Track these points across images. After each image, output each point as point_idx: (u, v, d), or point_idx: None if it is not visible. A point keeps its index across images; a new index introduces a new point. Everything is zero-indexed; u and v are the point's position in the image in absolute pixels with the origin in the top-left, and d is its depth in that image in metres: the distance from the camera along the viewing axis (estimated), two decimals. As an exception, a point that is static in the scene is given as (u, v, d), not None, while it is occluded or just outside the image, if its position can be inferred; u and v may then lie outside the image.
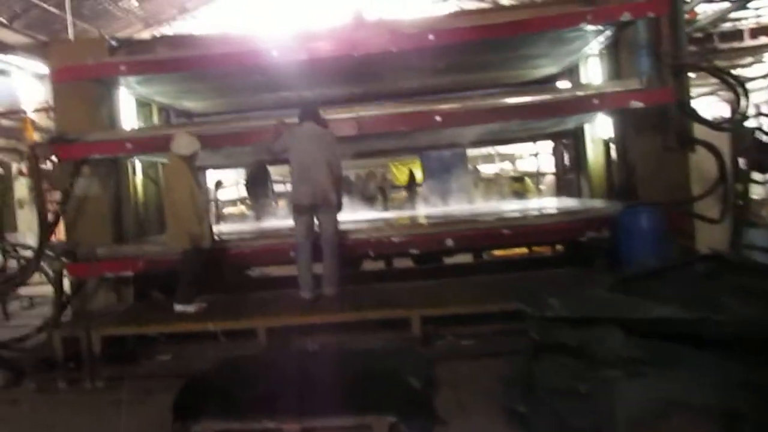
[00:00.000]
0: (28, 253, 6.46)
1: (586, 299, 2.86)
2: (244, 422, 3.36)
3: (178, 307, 5.24)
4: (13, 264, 7.81)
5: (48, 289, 7.65)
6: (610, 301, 2.76)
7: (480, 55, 6.14)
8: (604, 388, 2.51)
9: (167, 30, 15.68)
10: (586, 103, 5.33)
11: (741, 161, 5.47)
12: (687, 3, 6.12)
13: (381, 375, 3.65)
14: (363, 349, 4.58)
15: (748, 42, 10.27)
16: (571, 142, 7.88)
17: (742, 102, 5.56)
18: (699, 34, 9.03)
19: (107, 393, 4.52)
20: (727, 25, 10.11)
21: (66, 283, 5.88)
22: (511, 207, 7.59)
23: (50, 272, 6.58)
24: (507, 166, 17.22)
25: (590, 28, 5.38)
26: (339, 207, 5.40)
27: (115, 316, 5.36)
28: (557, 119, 6.12)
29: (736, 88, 5.60)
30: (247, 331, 4.99)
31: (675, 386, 2.39)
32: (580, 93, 5.40)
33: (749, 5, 8.71)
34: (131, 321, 5.16)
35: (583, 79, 6.97)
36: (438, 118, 5.33)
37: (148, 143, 5.73)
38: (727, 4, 7.79)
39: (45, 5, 13.14)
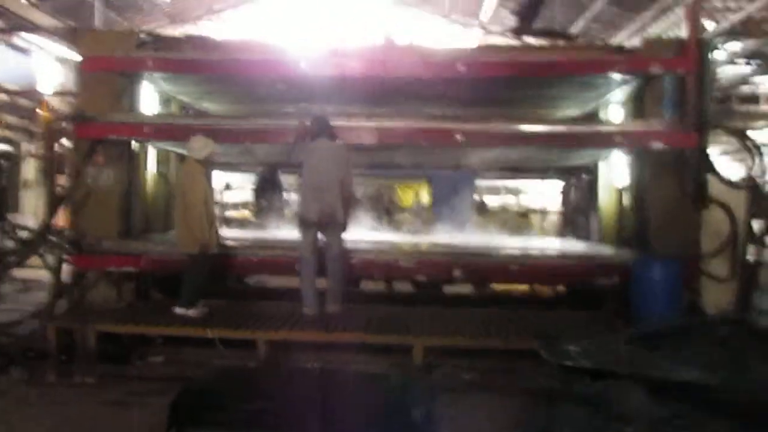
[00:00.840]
0: (27, 235, 6.31)
1: (605, 350, 2.81)
2: (240, 436, 3.27)
3: (179, 310, 5.17)
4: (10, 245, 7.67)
5: (43, 274, 7.56)
6: (632, 356, 2.72)
7: (505, 91, 6.18)
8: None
9: (193, 29, 15.74)
10: (608, 138, 5.36)
11: (755, 223, 5.47)
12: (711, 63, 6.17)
13: (384, 402, 3.58)
14: (366, 373, 4.50)
15: (764, 107, 10.41)
16: (585, 185, 7.90)
17: (757, 166, 5.61)
18: (717, 94, 9.14)
19: (98, 390, 4.41)
20: (745, 89, 10.26)
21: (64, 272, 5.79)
22: (518, 243, 7.54)
23: (48, 258, 6.51)
24: (511, 200, 17.22)
25: (618, 76, 5.42)
26: (346, 225, 5.36)
27: (114, 313, 5.27)
28: (575, 152, 6.12)
29: (753, 152, 5.65)
30: (245, 341, 4.91)
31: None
32: (603, 128, 5.40)
33: (769, 73, 8.87)
34: (130, 319, 5.07)
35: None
36: (459, 137, 5.35)
37: (166, 130, 5.73)
38: (748, 69, 7.91)
39: (73, -10, 13.20)
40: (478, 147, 5.67)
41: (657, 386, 2.50)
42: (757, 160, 5.64)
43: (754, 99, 10.67)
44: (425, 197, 13.77)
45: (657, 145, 5.20)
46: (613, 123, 5.38)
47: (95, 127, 5.61)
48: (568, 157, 6.67)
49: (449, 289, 7.39)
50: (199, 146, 5.30)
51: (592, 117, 7.05)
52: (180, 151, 6.65)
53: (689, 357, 2.71)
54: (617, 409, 2.48)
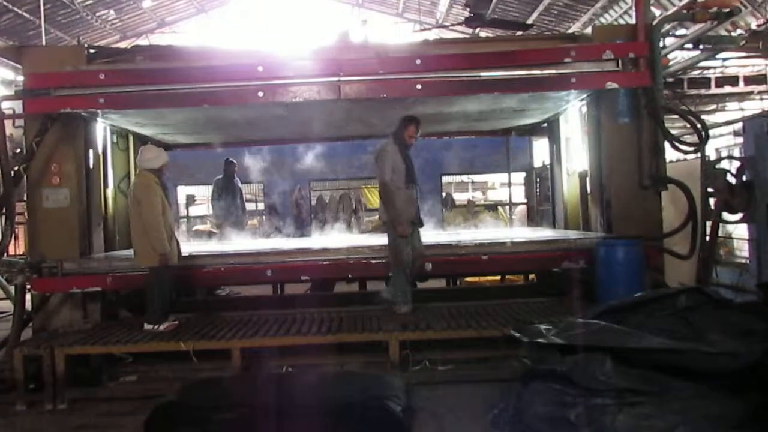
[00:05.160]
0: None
1: (575, 327, 2.87)
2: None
3: (148, 326, 5.06)
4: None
5: (6, 305, 7.32)
6: (599, 330, 2.79)
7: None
8: (592, 416, 2.51)
9: (145, 43, 15.49)
10: (563, 81, 5.40)
11: (711, 201, 5.65)
12: (662, 48, 6.36)
13: (360, 399, 3.58)
14: (341, 372, 4.50)
15: (714, 90, 10.77)
16: (548, 174, 8.06)
17: (705, 144, 5.81)
18: (670, 79, 9.43)
19: (70, 415, 4.30)
20: (695, 73, 10.60)
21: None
22: (486, 235, 7.64)
23: (8, 286, 6.30)
24: (479, 194, 17.48)
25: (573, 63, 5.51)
26: (387, 224, 5.34)
27: (81, 335, 5.12)
28: (534, 101, 6.22)
29: (701, 132, 5.82)
30: (219, 352, 4.84)
31: (663, 416, 2.41)
32: (559, 70, 5.41)
33: (717, 56, 9.16)
34: (98, 339, 4.93)
35: (562, 119, 7.18)
36: (419, 87, 5.34)
37: (121, 100, 5.47)
38: (697, 53, 8.18)
39: (18, 10, 12.84)
40: (439, 96, 5.60)
41: (623, 356, 2.56)
42: (705, 139, 5.82)
43: (704, 83, 11.03)
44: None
45: (612, 85, 5.32)
46: (570, 65, 5.39)
47: (46, 101, 5.38)
48: (528, 108, 6.72)
49: (422, 286, 7.44)
50: (152, 156, 5.21)
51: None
52: (136, 130, 6.47)
53: (653, 327, 2.80)
54: (586, 381, 2.54)
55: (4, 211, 5.44)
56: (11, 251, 9.33)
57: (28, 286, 5.45)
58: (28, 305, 5.59)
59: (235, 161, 9.29)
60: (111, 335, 5.03)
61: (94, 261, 5.66)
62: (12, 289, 6.01)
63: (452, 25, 15.44)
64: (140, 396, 4.49)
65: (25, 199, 5.95)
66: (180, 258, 5.32)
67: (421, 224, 5.49)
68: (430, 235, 7.99)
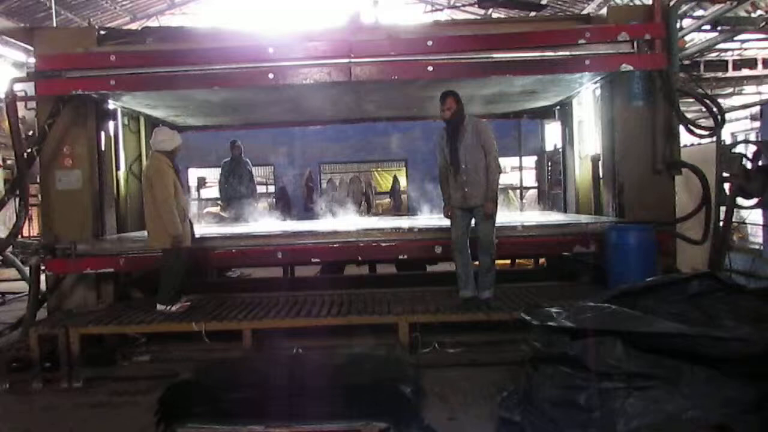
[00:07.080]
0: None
1: (585, 311, 2.87)
2: (230, 425, 3.27)
3: (160, 307, 5.13)
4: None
5: (21, 285, 7.43)
6: (610, 314, 2.78)
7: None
8: (602, 400, 2.52)
9: (155, 24, 15.43)
10: (577, 63, 5.33)
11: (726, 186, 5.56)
12: (678, 30, 6.23)
13: (370, 381, 3.60)
14: (351, 354, 4.53)
15: (731, 73, 10.57)
16: (560, 158, 7.99)
17: (720, 129, 5.71)
18: (686, 61, 9.26)
19: (85, 393, 4.37)
20: (712, 55, 10.39)
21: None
22: (497, 219, 7.59)
23: (22, 267, 6.39)
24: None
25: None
26: None
27: (95, 315, 5.20)
28: (547, 83, 6.17)
29: (717, 116, 5.72)
30: (230, 333, 4.90)
31: (673, 401, 2.41)
32: (574, 52, 5.33)
33: (735, 38, 8.97)
34: (112, 320, 5.00)
35: (575, 102, 7.09)
36: (430, 68, 5.27)
37: (132, 81, 5.47)
38: (715, 35, 8.01)
39: (28, -9, 12.83)
40: (450, 79, 5.51)
41: (634, 340, 2.56)
42: (721, 123, 5.73)
43: (721, 65, 10.82)
44: (403, 180, 13.85)
45: (627, 67, 5.25)
46: (584, 47, 5.30)
47: (58, 83, 5.40)
48: (541, 91, 6.66)
49: (432, 269, 7.45)
50: (166, 138, 5.23)
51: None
52: (147, 112, 6.53)
53: (663, 312, 2.78)
54: (596, 365, 2.54)
55: (17, 193, 5.50)
56: (25, 233, 9.48)
57: (43, 267, 5.55)
58: (43, 286, 5.68)
59: (239, 142, 9.21)
60: (124, 316, 5.10)
61: (107, 242, 5.73)
62: (27, 269, 6.10)
63: (464, 5, 15.23)
64: (153, 375, 4.57)
65: (38, 181, 6.03)
66: (193, 240, 5.36)
67: (484, 208, 5.00)
68: (439, 216, 7.99)
